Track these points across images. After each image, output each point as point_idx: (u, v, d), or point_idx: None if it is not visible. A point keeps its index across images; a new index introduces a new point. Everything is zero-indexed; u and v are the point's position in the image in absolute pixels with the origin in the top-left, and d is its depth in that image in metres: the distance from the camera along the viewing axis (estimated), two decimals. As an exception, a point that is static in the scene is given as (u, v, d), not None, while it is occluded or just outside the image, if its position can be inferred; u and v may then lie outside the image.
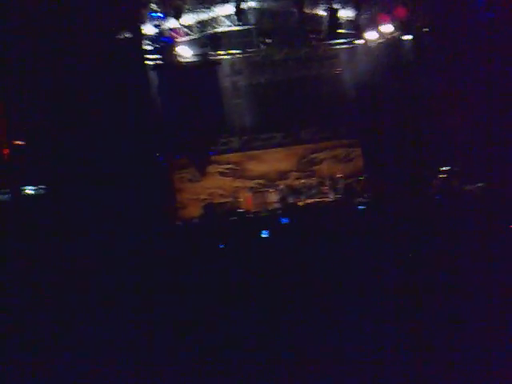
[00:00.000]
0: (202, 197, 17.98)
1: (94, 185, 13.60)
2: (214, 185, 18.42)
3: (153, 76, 16.68)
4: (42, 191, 13.69)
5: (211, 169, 18.47)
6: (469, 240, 7.87)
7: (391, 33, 18.17)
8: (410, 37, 17.92)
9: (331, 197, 18.01)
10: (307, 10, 17.52)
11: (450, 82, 17.82)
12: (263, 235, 11.19)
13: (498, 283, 5.65)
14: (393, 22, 17.67)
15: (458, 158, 17.52)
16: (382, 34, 18.37)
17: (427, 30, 17.74)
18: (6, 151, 13.36)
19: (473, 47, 16.71)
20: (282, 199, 17.75)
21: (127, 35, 15.44)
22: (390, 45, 18.60)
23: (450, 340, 4.66)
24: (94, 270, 8.99)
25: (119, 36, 15.34)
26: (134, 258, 9.66)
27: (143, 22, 15.98)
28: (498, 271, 6.04)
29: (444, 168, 17.24)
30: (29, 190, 13.70)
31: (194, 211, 17.39)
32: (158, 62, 16.65)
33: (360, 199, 17.27)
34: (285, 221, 13.82)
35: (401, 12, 17.36)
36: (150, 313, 6.21)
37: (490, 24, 16.37)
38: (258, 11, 17.76)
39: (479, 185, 15.35)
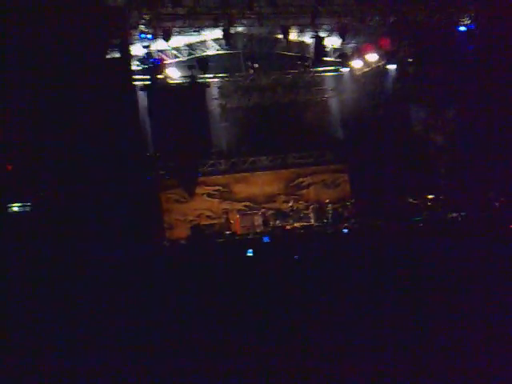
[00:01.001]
0: (190, 218, 17.89)
1: (81, 203, 13.48)
2: (202, 206, 18.34)
3: (141, 96, 16.74)
4: (29, 208, 13.48)
5: (199, 190, 18.42)
6: (449, 266, 7.94)
7: (376, 62, 18.53)
8: (394, 66, 18.26)
9: (318, 221, 18.14)
10: (294, 37, 17.87)
11: (433, 111, 18.24)
12: (248, 254, 11.16)
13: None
14: (377, 51, 18.03)
15: (443, 187, 17.80)
16: (367, 63, 18.77)
17: (411, 60, 18.14)
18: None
19: (454, 77, 17.18)
20: (269, 222, 17.82)
21: (116, 55, 15.51)
22: (376, 73, 19.01)
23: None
24: (77, 283, 8.85)
25: (108, 55, 15.40)
26: (119, 276, 9.53)
27: (132, 43, 16.10)
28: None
29: (429, 196, 17.47)
30: (15, 208, 13.50)
31: (181, 232, 17.27)
32: (146, 82, 16.71)
33: (346, 224, 17.37)
34: (267, 240, 13.83)
35: (385, 42, 17.76)
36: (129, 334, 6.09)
37: (471, 55, 16.92)
38: (246, 36, 18.03)
39: (462, 213, 15.54)
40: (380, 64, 18.55)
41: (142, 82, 16.77)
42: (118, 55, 15.42)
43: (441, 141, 18.36)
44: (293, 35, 17.34)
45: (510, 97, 15.86)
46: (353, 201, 18.86)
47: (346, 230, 13.64)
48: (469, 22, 17.41)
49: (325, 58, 18.24)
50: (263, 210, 18.23)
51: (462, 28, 17.43)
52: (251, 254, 11.00)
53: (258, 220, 17.70)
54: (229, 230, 17.30)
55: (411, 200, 17.60)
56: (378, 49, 18.00)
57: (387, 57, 18.08)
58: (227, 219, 17.73)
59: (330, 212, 18.30)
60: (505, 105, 16.07)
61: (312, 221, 18.16)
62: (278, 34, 17.73)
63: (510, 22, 15.47)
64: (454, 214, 15.73)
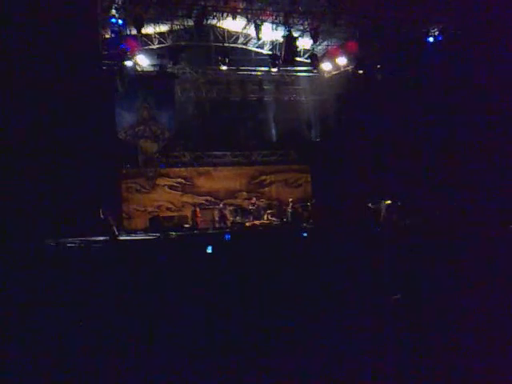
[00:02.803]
0: (149, 209, 17.68)
1: (40, 188, 13.18)
2: (162, 198, 18.14)
3: (108, 81, 16.36)
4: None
5: (161, 181, 18.19)
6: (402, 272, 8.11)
7: (345, 66, 18.71)
8: (362, 71, 18.44)
9: (278, 220, 18.25)
10: (267, 35, 17.84)
11: (397, 119, 18.53)
12: (208, 251, 11.10)
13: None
14: (346, 55, 18.17)
15: (400, 193, 18.11)
16: (336, 66, 18.92)
17: (379, 66, 18.36)
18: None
19: (420, 86, 17.50)
20: (230, 218, 17.82)
21: (85, 38, 15.14)
22: (344, 77, 19.18)
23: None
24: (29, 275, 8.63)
25: (77, 38, 15.02)
26: (73, 266, 9.35)
27: (103, 27, 15.75)
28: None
29: (385, 201, 17.72)
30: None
31: (140, 223, 17.08)
32: (114, 68, 16.36)
33: (305, 225, 17.53)
34: (228, 237, 13.76)
35: (353, 46, 17.88)
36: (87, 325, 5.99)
37: (438, 66, 17.26)
38: (219, 30, 17.92)
39: (418, 220, 15.86)
40: (349, 68, 18.73)
41: (109, 67, 16.39)
42: (87, 38, 15.06)
43: (402, 148, 18.69)
44: (265, 33, 17.35)
45: (471, 107, 16.29)
46: (313, 201, 19.07)
47: (305, 234, 13.73)
48: (437, 33, 17.75)
49: (296, 58, 18.24)
50: (224, 205, 18.22)
51: (431, 39, 17.78)
52: (210, 251, 10.95)
53: (218, 215, 17.73)
54: (187, 223, 17.18)
55: (370, 205, 17.85)
56: (346, 52, 18.14)
57: (356, 61, 18.25)
58: (195, 212, 17.45)
59: (290, 211, 18.48)
60: (466, 115, 16.50)
61: (273, 219, 18.28)
62: (250, 30, 17.75)
63: (478, 36, 15.85)
64: (409, 221, 16.02)
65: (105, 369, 4.73)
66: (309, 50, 18.90)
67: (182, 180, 18.53)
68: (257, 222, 17.57)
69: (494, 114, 15.88)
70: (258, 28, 16.70)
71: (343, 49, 18.21)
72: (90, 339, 5.50)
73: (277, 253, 11.01)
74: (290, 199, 18.79)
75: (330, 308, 6.31)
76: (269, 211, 18.49)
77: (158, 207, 17.90)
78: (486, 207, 14.66)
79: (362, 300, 6.60)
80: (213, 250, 11.12)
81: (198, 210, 17.56)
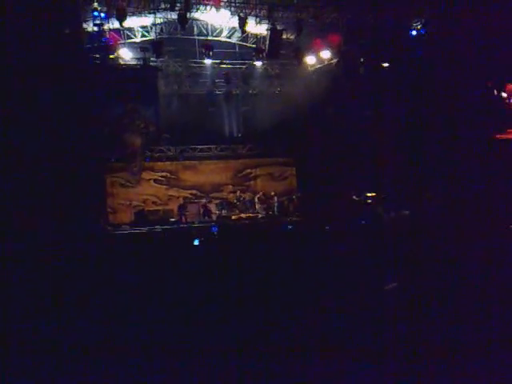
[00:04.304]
0: (134, 203, 17.64)
1: (23, 182, 13.00)
2: (148, 192, 18.14)
3: (92, 75, 16.20)
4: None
5: (146, 175, 18.19)
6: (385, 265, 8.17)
7: (329, 59, 18.75)
8: (345, 65, 18.46)
9: (263, 213, 18.31)
10: (251, 29, 17.80)
11: (380, 112, 18.61)
12: (195, 243, 11.11)
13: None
14: (328, 48, 18.20)
15: (385, 185, 18.23)
16: (320, 59, 18.95)
17: (362, 60, 18.42)
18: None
19: (402, 80, 17.59)
20: (215, 211, 17.81)
21: (67, 31, 14.96)
22: (328, 70, 19.20)
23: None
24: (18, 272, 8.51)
25: (59, 31, 14.83)
26: (59, 262, 9.25)
27: (85, 20, 15.58)
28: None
29: (370, 194, 17.85)
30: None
31: (125, 217, 17.05)
32: (97, 61, 16.21)
33: (291, 218, 17.60)
34: (215, 229, 13.78)
35: (335, 39, 17.90)
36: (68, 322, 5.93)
37: (420, 60, 17.36)
38: (202, 23, 17.83)
39: (403, 213, 15.95)
40: (333, 61, 18.76)
41: (92, 61, 16.23)
42: (69, 31, 14.88)
43: (385, 141, 18.79)
44: (250, 26, 17.29)
45: (452, 101, 16.40)
46: (299, 194, 19.13)
47: (290, 227, 13.80)
48: (420, 26, 17.84)
49: (279, 51, 18.19)
50: (208, 198, 18.25)
51: (414, 32, 17.87)
52: (198, 244, 10.96)
53: (202, 209, 17.74)
54: (173, 217, 17.16)
55: (354, 197, 17.96)
56: (329, 45, 18.15)
57: (339, 55, 18.27)
58: (184, 207, 17.57)
59: (275, 204, 18.52)
60: (447, 109, 16.62)
61: (258, 212, 18.33)
62: (234, 23, 17.66)
63: (460, 29, 15.95)
64: (393, 214, 16.11)
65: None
66: (292, 44, 18.87)
67: (168, 174, 18.54)
68: (243, 215, 17.62)
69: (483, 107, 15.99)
70: (242, 21, 16.63)
71: (327, 42, 18.23)
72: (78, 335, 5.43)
73: (264, 245, 11.04)
74: (272, 193, 18.88)
75: (318, 299, 6.34)
76: (254, 204, 18.50)
77: (144, 201, 17.88)
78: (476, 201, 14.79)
79: (352, 291, 6.63)
80: (200, 242, 11.14)
81: (179, 204, 17.61)
